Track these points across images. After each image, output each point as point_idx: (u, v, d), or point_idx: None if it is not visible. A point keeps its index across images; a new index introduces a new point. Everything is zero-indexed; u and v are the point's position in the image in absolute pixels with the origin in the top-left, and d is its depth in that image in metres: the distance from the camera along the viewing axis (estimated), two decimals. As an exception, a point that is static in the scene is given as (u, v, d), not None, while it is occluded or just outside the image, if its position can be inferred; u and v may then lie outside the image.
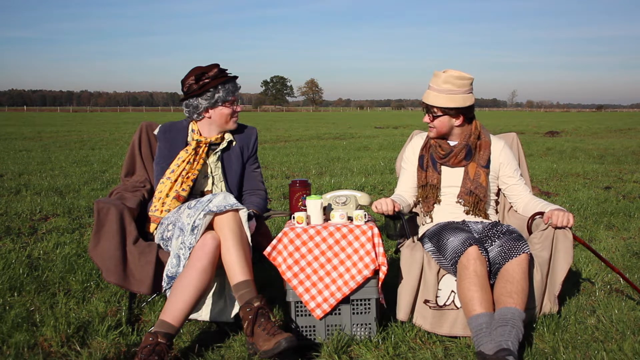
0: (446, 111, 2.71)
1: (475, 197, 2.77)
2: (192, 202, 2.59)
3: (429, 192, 2.84)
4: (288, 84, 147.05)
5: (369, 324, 2.56)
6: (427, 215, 2.87)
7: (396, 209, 2.67)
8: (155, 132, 2.94)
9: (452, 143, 2.83)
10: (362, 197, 2.79)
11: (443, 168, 2.84)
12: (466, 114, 2.75)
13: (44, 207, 5.66)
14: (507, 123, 32.74)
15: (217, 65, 2.80)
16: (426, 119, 2.81)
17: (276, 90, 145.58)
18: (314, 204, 2.59)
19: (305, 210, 2.65)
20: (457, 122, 2.75)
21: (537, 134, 20.32)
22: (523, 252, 2.46)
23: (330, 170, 9.20)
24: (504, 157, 2.86)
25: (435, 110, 2.73)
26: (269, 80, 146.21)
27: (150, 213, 2.71)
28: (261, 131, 22.62)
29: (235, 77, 2.84)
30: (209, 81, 2.75)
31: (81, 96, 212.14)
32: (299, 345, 2.34)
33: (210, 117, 2.82)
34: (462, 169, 2.82)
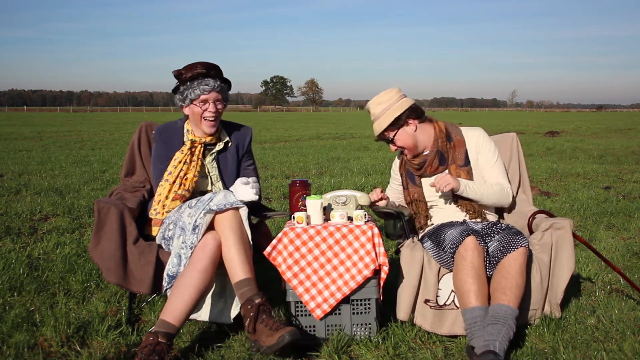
0: (393, 127, 2.76)
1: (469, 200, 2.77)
2: (193, 202, 2.59)
3: (417, 208, 2.87)
4: (288, 84, 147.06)
5: (369, 324, 2.56)
6: (424, 224, 2.87)
7: (382, 198, 2.79)
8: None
9: (427, 152, 2.85)
10: (362, 197, 2.79)
11: (424, 179, 2.86)
12: (413, 117, 2.78)
13: (44, 207, 5.66)
14: (507, 123, 32.74)
15: (203, 63, 2.71)
16: (392, 148, 2.86)
17: (276, 90, 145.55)
18: (314, 204, 2.59)
19: (305, 210, 2.65)
20: (412, 128, 2.78)
21: (537, 134, 20.32)
22: (521, 246, 2.46)
23: (330, 170, 9.20)
24: (480, 145, 2.82)
25: (388, 134, 2.79)
26: (269, 80, 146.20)
27: (151, 216, 2.71)
28: (261, 131, 22.63)
29: (217, 75, 2.73)
30: (184, 78, 2.70)
31: (81, 96, 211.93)
32: (302, 339, 2.34)
33: (188, 115, 2.79)
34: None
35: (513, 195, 2.91)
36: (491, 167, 2.80)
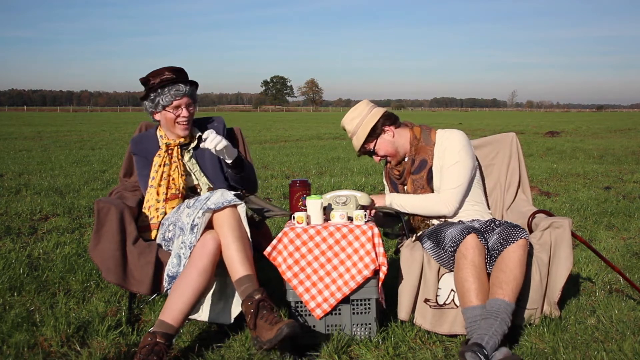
0: (371, 138, 2.81)
1: None
2: (191, 201, 2.59)
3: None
4: (288, 84, 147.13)
5: (369, 324, 2.56)
6: (417, 228, 2.87)
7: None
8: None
9: (406, 159, 2.89)
10: (362, 197, 2.79)
11: (407, 187, 2.90)
12: (388, 124, 2.81)
13: (44, 207, 5.66)
14: (507, 123, 32.76)
15: (170, 68, 2.72)
16: (376, 159, 2.90)
17: (276, 90, 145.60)
18: (314, 204, 2.59)
19: (305, 210, 2.65)
20: (390, 135, 2.82)
21: (537, 134, 20.32)
22: (520, 238, 2.45)
23: (330, 170, 9.20)
24: (444, 149, 2.79)
25: (368, 146, 2.84)
26: (269, 80, 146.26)
27: (151, 222, 2.71)
28: (261, 131, 22.63)
29: (184, 80, 2.74)
30: (152, 85, 2.71)
31: (81, 96, 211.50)
32: (302, 336, 2.33)
33: (160, 121, 2.81)
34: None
35: (459, 203, 2.76)
36: (445, 170, 2.76)
